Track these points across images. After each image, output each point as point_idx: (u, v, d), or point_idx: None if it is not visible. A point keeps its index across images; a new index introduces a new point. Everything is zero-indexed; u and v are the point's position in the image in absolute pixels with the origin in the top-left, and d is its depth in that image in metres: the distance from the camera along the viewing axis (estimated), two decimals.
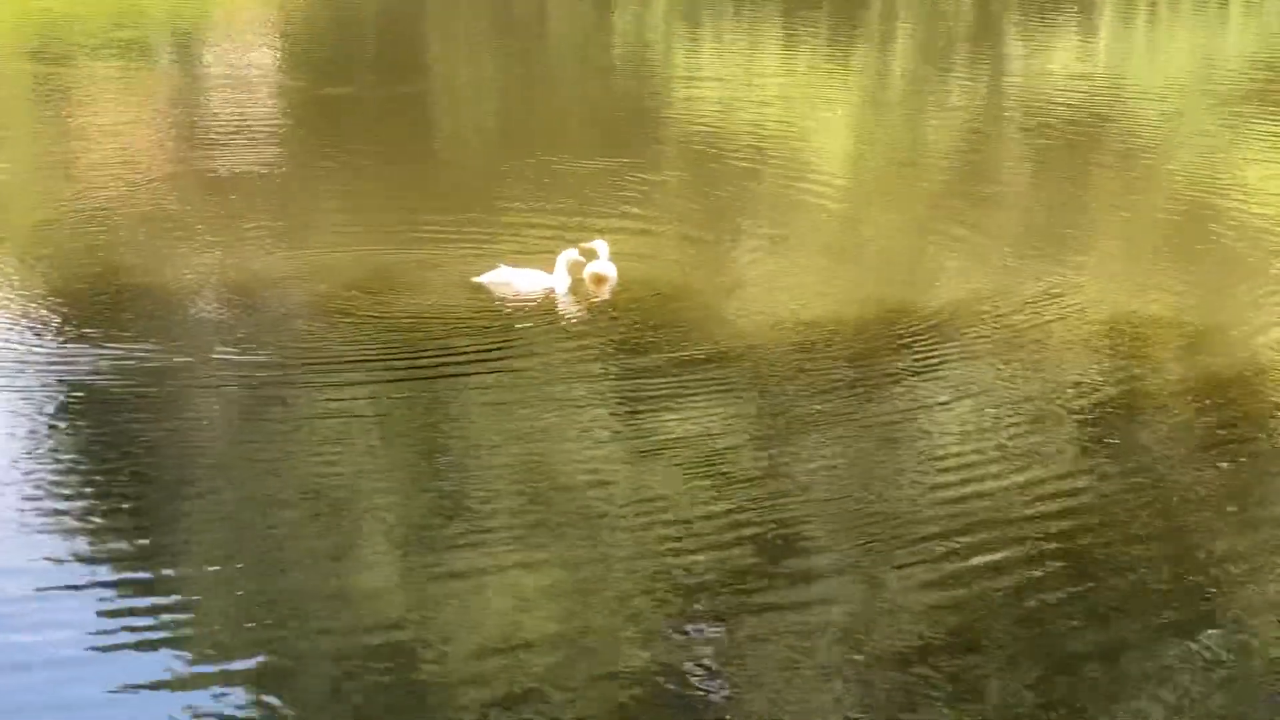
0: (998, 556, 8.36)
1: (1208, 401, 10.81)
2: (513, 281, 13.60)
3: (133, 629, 7.47)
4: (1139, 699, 7.05)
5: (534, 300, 13.38)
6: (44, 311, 12.35)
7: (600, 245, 13.69)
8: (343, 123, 22.32)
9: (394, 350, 11.67)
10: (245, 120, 21.82)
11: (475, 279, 13.57)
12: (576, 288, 13.48)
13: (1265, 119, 17.97)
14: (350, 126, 21.94)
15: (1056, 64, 22.98)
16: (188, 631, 7.47)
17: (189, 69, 24.89)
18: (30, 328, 11.84)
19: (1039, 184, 15.23)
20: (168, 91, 22.75)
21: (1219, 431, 10.16)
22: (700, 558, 8.07)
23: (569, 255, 13.67)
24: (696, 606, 7.53)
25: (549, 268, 13.48)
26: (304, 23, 34.96)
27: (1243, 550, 8.46)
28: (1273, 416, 10.52)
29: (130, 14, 34.89)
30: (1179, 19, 31.22)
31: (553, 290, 13.56)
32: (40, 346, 11.49)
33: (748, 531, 8.40)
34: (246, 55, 29.56)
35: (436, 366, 11.23)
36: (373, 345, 11.94)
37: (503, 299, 13.30)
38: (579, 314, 13.06)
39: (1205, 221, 13.60)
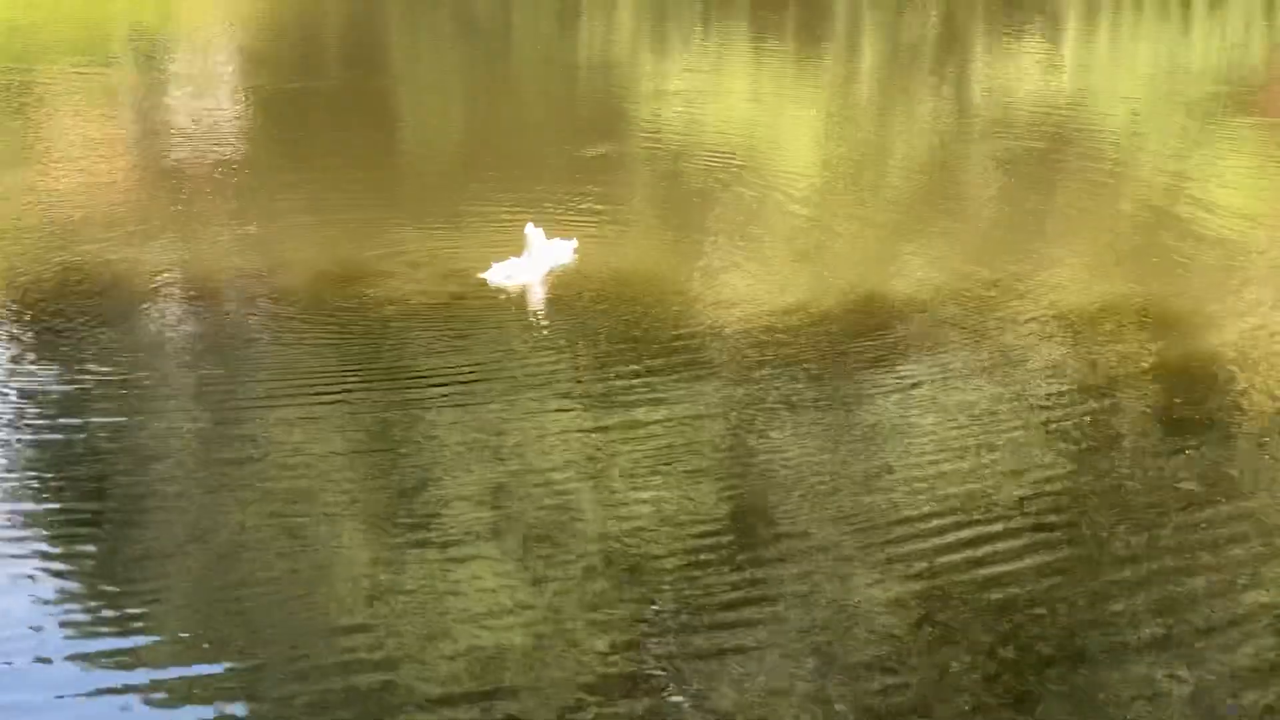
0: (978, 552, 8.32)
1: (1181, 394, 10.79)
2: (513, 273, 13.58)
3: (92, 652, 7.28)
4: (1119, 699, 6.97)
5: (513, 291, 13.42)
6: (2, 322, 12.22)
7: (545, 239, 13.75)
8: (306, 124, 22.37)
9: (358, 355, 11.56)
10: (207, 122, 21.80)
11: (481, 275, 13.57)
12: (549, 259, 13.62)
13: (1227, 126, 17.97)
14: (314, 128, 22.04)
15: (1021, 74, 23.03)
16: (150, 649, 7.32)
17: (151, 73, 24.79)
18: None
19: (1003, 188, 15.23)
20: (129, 96, 22.68)
21: (1199, 423, 10.12)
22: (671, 563, 7.96)
23: (533, 229, 13.69)
24: (667, 613, 7.42)
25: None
26: (267, 29, 34.93)
27: (1223, 545, 8.38)
28: (1252, 409, 10.47)
29: (92, 21, 34.78)
30: (1142, 28, 31.32)
31: (549, 266, 13.64)
32: None
33: (720, 537, 8.30)
34: (209, 57, 29.50)
35: (403, 371, 11.11)
36: (338, 350, 11.87)
37: (503, 290, 13.36)
38: (547, 313, 13.00)
39: (1169, 224, 13.60)
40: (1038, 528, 8.44)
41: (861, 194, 14.71)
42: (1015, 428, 9.95)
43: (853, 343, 12.10)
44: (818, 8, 38.03)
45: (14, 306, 12.67)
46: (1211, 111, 19.37)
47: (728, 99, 20.79)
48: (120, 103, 24.40)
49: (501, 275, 13.61)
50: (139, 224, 15.77)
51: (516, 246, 13.65)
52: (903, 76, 23.33)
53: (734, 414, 9.88)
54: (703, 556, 8.00)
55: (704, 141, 17.03)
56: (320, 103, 24.91)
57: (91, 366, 11.55)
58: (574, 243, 13.86)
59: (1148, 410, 10.57)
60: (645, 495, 8.95)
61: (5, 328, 12.23)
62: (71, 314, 12.73)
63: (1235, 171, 15.80)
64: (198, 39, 33.13)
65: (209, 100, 24.77)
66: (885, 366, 11.39)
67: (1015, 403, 10.38)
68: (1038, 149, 16.70)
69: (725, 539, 8.22)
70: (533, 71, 28.75)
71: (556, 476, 9.11)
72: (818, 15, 36.17)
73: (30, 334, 12.10)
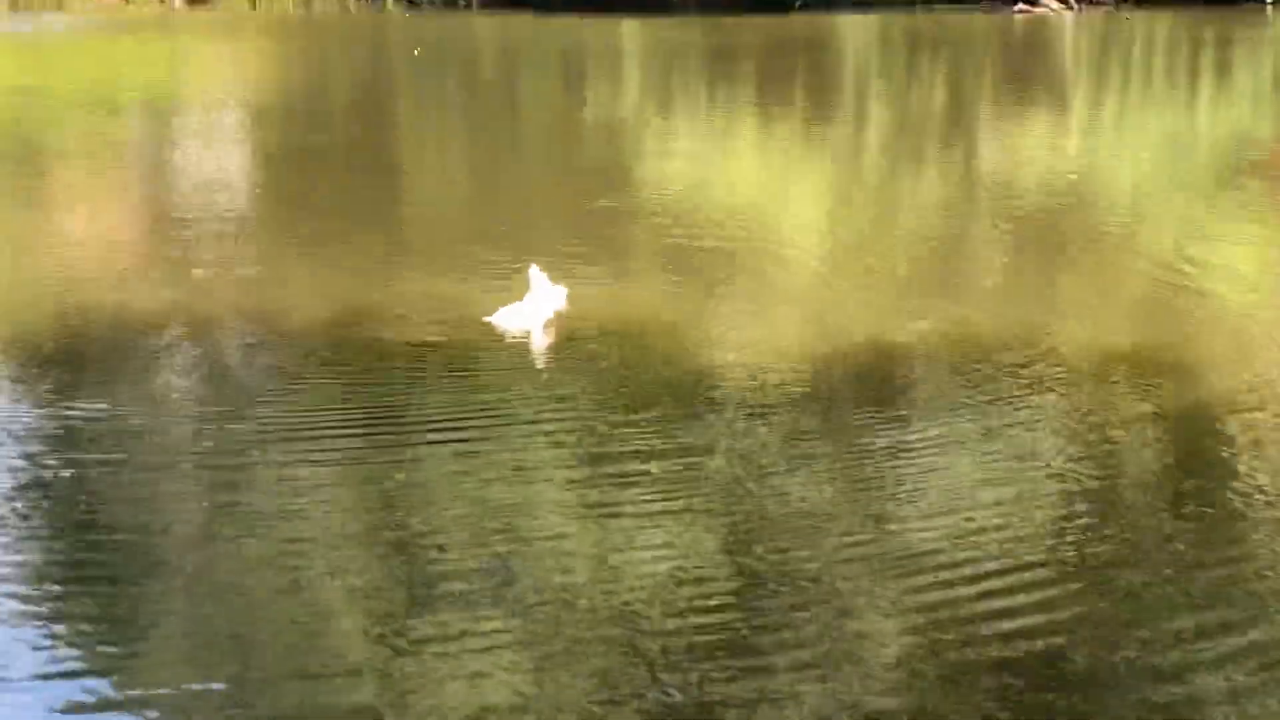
0: (991, 597, 8.16)
1: (1186, 445, 10.66)
2: (518, 316, 13.52)
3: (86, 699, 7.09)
4: None
5: (516, 338, 13.29)
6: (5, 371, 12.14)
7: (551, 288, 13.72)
8: (313, 178, 22.40)
9: (359, 407, 11.44)
10: (214, 177, 21.86)
11: (486, 319, 13.50)
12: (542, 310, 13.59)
13: (1234, 200, 17.91)
14: (320, 182, 22.06)
15: (1028, 147, 22.98)
16: (145, 701, 7.08)
17: (159, 129, 24.87)
18: None
19: (1006, 256, 15.07)
20: (137, 151, 22.73)
21: (1208, 474, 9.97)
22: (673, 622, 7.70)
23: (536, 272, 13.68)
24: (668, 675, 7.15)
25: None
26: (274, 90, 35.10)
27: (1235, 596, 8.20)
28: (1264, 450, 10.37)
29: (102, 84, 34.88)
30: (1150, 103, 31.40)
31: (553, 310, 13.58)
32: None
33: (722, 596, 8.03)
34: (217, 115, 29.61)
35: (405, 422, 10.96)
36: (341, 394, 11.77)
37: (508, 334, 13.28)
38: (547, 364, 12.91)
39: (1175, 294, 13.40)
40: (1054, 579, 8.21)
41: (863, 254, 14.58)
42: (1025, 473, 9.81)
43: (856, 390, 11.98)
44: (825, 76, 38.23)
45: (18, 351, 12.59)
46: (1220, 184, 19.28)
47: (732, 161, 20.77)
48: (128, 158, 24.47)
49: (507, 319, 13.51)
50: (144, 271, 15.76)
51: (520, 292, 13.60)
52: (908, 142, 23.29)
53: (740, 479, 9.66)
54: (709, 624, 7.72)
55: (708, 199, 16.97)
56: (326, 158, 24.97)
57: (88, 406, 11.44)
58: (564, 290, 13.76)
59: (1151, 458, 10.47)
60: (649, 541, 8.77)
61: (10, 369, 12.15)
62: (74, 356, 12.70)
63: (1243, 232, 15.69)
64: (206, 99, 33.30)
65: (216, 156, 24.84)
66: (889, 414, 11.26)
67: (1023, 451, 10.24)
68: (1044, 215, 16.58)
69: (732, 606, 7.96)
70: (538, 132, 28.83)
71: (557, 524, 8.93)
72: (824, 83, 36.37)
73: (33, 375, 12.01)
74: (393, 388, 12.02)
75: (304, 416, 11.25)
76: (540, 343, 13.28)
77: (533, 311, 13.61)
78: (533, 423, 11.00)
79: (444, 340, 13.18)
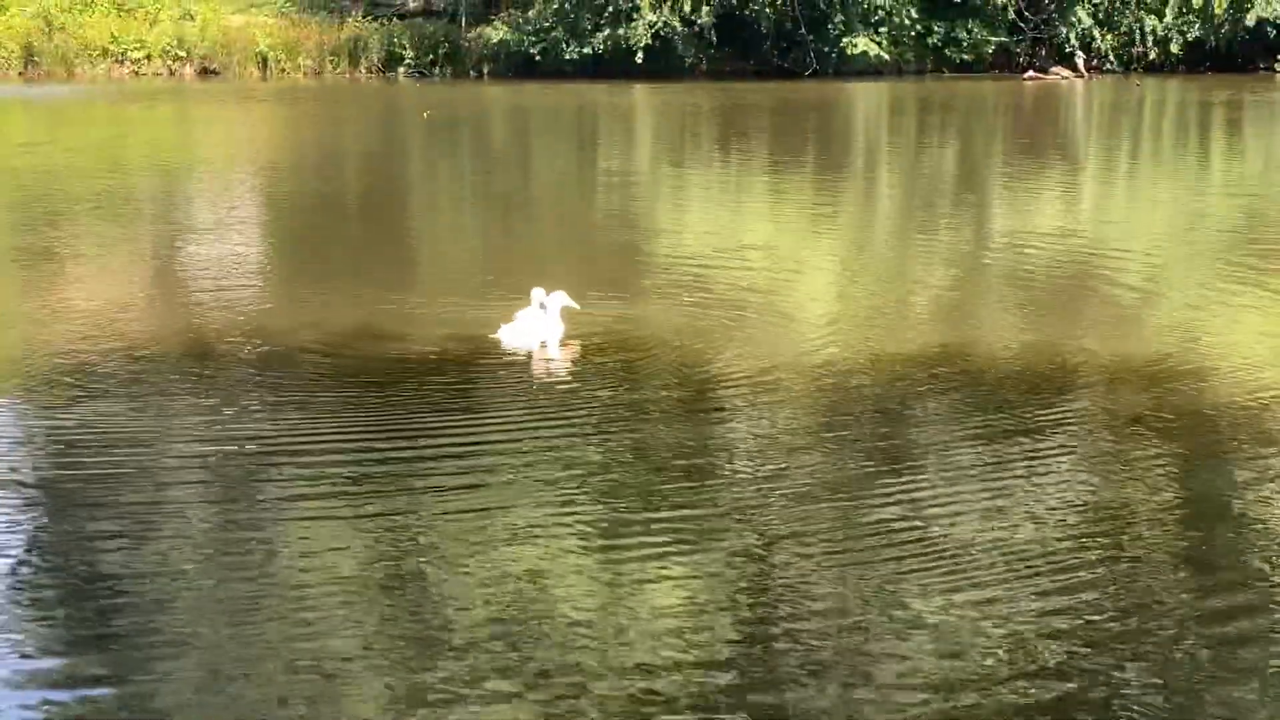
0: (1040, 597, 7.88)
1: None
2: (522, 334, 13.72)
3: None
4: None
5: (522, 354, 13.47)
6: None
7: (558, 296, 13.94)
8: (324, 232, 22.44)
9: (366, 437, 11.23)
10: (232, 225, 21.87)
11: (493, 335, 13.76)
12: (557, 329, 13.86)
13: (1245, 269, 17.68)
14: (331, 235, 22.10)
15: (1039, 214, 22.81)
16: None
17: (173, 213, 24.95)
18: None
19: (1016, 326, 14.74)
20: (151, 236, 22.82)
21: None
22: (684, 665, 7.32)
23: (539, 294, 13.86)
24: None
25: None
26: (286, 148, 35.18)
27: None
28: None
29: (115, 143, 34.92)
30: (1161, 169, 31.35)
31: (556, 330, 13.82)
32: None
33: (734, 643, 7.64)
34: (231, 177, 29.66)
35: (410, 453, 10.72)
36: (348, 414, 11.60)
37: (513, 353, 13.47)
38: (552, 381, 12.77)
39: (1194, 370, 13.00)
40: (1103, 619, 7.90)
41: (878, 336, 14.14)
42: (1035, 517, 9.56)
43: (875, 418, 11.79)
44: (834, 136, 38.26)
45: (42, 394, 12.39)
46: (1231, 253, 19.03)
47: (744, 237, 20.61)
48: (145, 207, 24.46)
49: (510, 336, 13.69)
50: (152, 303, 15.65)
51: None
52: (922, 216, 23.09)
53: (759, 524, 9.33)
54: (720, 655, 7.41)
55: (720, 277, 16.75)
56: (337, 207, 24.97)
57: (92, 425, 11.35)
58: (562, 297, 13.88)
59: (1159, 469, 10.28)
60: (661, 574, 8.51)
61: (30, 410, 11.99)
62: (82, 378, 12.61)
63: (1253, 312, 15.40)
64: (222, 155, 33.36)
65: (232, 204, 24.83)
66: (904, 445, 11.08)
67: (1030, 495, 9.96)
68: (1052, 285, 16.26)
69: (742, 625, 7.68)
70: (548, 183, 28.84)
71: (566, 559, 8.61)
72: (834, 142, 36.40)
73: (51, 414, 11.83)
74: (399, 405, 11.86)
75: (311, 432, 11.13)
76: (544, 359, 13.41)
77: (536, 329, 13.77)
78: (537, 444, 10.84)
79: (450, 358, 13.25)
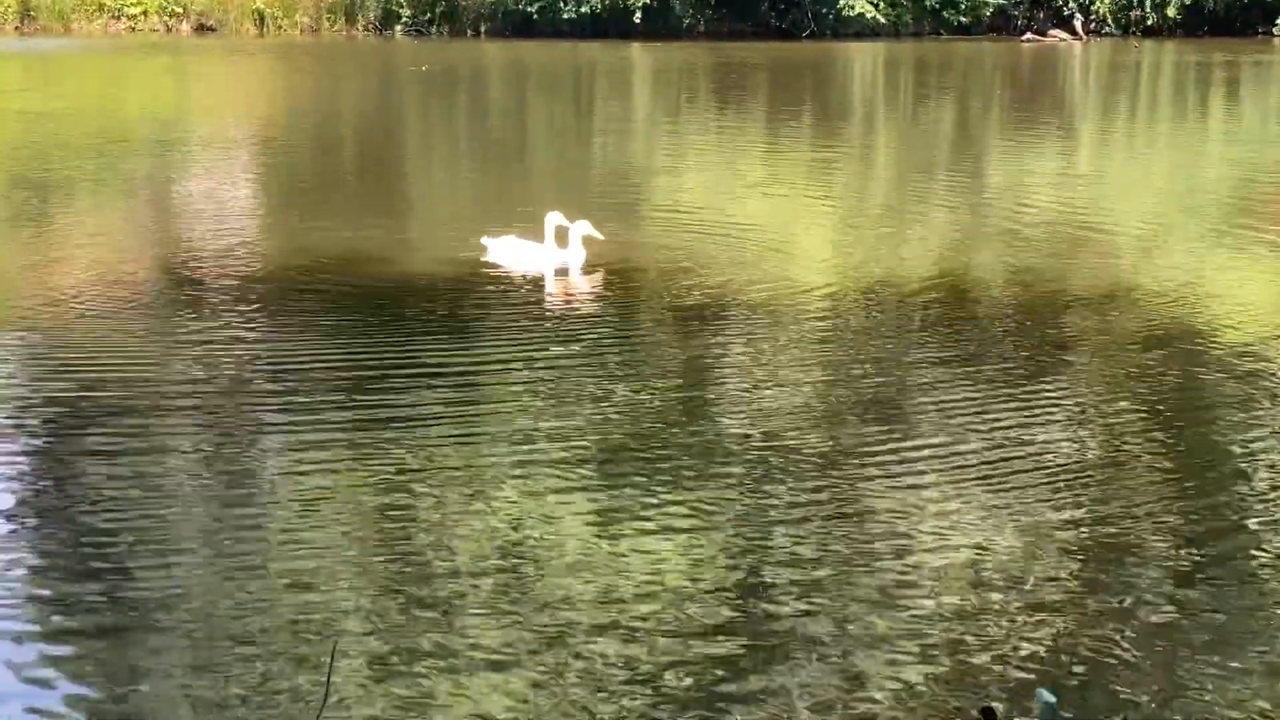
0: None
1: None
2: (514, 252, 14.03)
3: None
4: None
5: (528, 284, 13.53)
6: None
7: (581, 225, 14.18)
8: (316, 194, 22.42)
9: (360, 350, 11.23)
10: (231, 168, 21.80)
11: (484, 239, 14.18)
12: (575, 255, 14.05)
13: (1244, 232, 17.59)
14: (323, 196, 22.07)
15: (1035, 178, 22.70)
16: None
17: (168, 149, 24.87)
18: None
19: (1014, 290, 14.58)
20: (146, 170, 22.74)
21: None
22: (691, 644, 7.06)
23: (555, 219, 14.07)
24: (679, 702, 6.56)
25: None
26: (284, 99, 35.11)
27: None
28: None
29: (110, 110, 34.89)
30: (1158, 128, 31.30)
31: (549, 262, 13.99)
32: None
33: (746, 611, 7.25)
34: (227, 133, 29.63)
35: (408, 398, 10.54)
36: (340, 345, 11.59)
37: (505, 274, 13.67)
38: (557, 337, 12.55)
39: (1187, 335, 12.86)
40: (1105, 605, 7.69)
41: (872, 297, 13.98)
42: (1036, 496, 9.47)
43: (872, 349, 11.77)
44: (833, 96, 38.21)
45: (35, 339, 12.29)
46: (1229, 216, 18.92)
47: (739, 195, 20.52)
48: (143, 160, 24.41)
49: (499, 250, 14.10)
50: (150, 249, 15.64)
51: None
52: (919, 179, 22.94)
53: (760, 487, 9.03)
54: (718, 618, 7.16)
55: (717, 231, 16.61)
56: (334, 152, 24.93)
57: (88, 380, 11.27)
58: (586, 225, 14.13)
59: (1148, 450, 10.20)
60: (662, 506, 8.43)
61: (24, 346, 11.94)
62: (68, 330, 12.49)
63: (1247, 275, 15.28)
64: (219, 106, 33.30)
65: (229, 162, 24.80)
66: (899, 376, 11.08)
67: (1033, 473, 9.60)
68: (1050, 252, 16.08)
69: (741, 588, 7.48)
70: (545, 132, 28.78)
71: (566, 546, 8.15)
72: (830, 99, 36.36)
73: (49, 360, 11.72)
74: (398, 328, 11.85)
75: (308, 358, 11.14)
76: (560, 286, 13.61)
77: (544, 255, 14.06)
78: (541, 372, 10.84)
79: (447, 280, 13.43)
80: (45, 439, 9.55)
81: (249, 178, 21.08)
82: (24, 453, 9.28)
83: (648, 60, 45.85)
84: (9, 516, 8.24)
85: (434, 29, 55.51)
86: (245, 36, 54.35)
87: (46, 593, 7.38)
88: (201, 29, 55.63)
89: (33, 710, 6.25)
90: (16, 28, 55.03)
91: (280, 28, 55.82)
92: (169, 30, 55.32)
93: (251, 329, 11.98)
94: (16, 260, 14.81)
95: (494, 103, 34.61)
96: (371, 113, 32.06)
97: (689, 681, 6.50)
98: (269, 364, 11.05)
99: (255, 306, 12.64)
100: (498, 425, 9.63)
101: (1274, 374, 11.20)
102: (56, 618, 7.10)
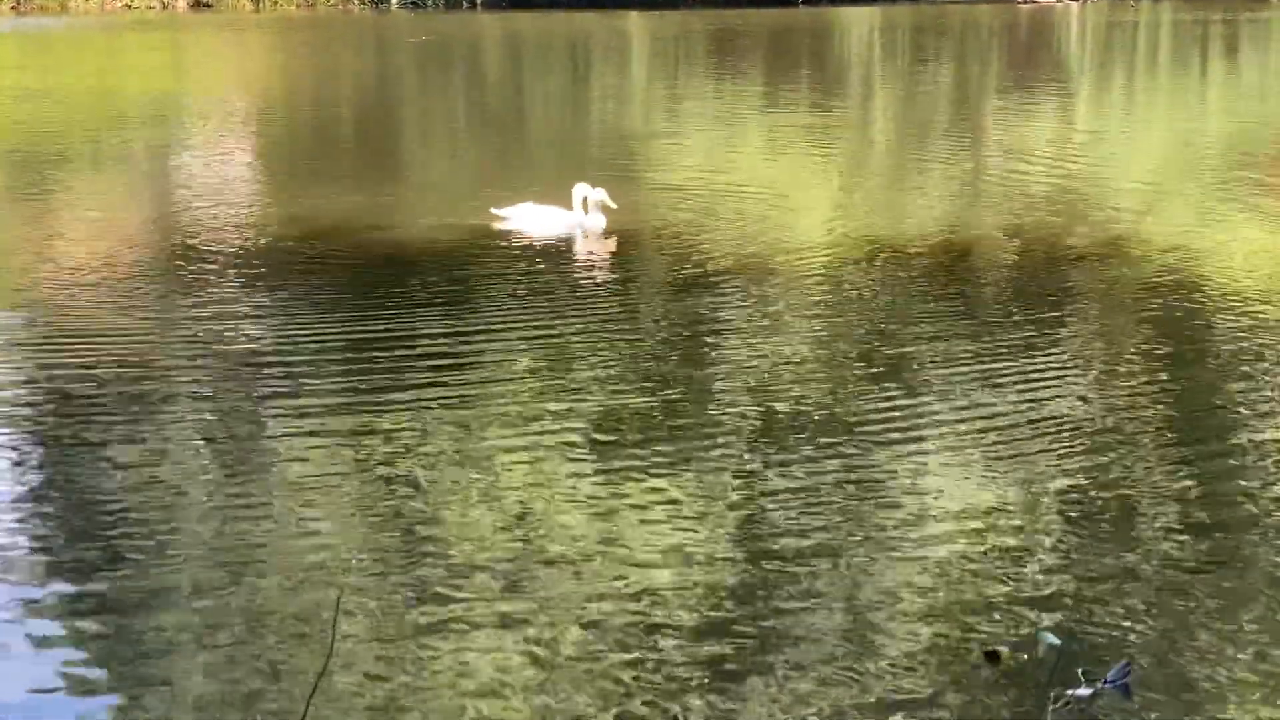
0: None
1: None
2: (536, 218, 14.32)
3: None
4: None
5: (549, 247, 13.75)
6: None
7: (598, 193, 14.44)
8: (314, 168, 22.43)
9: (368, 355, 11.18)
10: (233, 137, 21.82)
11: (495, 210, 14.41)
12: (596, 221, 14.29)
13: (1244, 188, 17.56)
14: (322, 171, 22.05)
15: (1035, 138, 22.67)
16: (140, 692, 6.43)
17: (163, 125, 24.89)
18: None
19: (1016, 248, 14.56)
20: (141, 147, 22.77)
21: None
22: (695, 620, 6.96)
23: (583, 189, 14.35)
24: (687, 683, 6.48)
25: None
26: (281, 71, 35.06)
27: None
28: None
29: (105, 88, 34.85)
30: (1157, 87, 31.27)
31: (577, 228, 14.26)
32: None
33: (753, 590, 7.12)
34: (225, 106, 29.61)
35: (416, 371, 10.48)
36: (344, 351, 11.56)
37: (521, 242, 13.88)
38: (572, 303, 12.50)
39: (1186, 284, 12.84)
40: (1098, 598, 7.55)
41: (873, 258, 14.00)
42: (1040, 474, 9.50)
43: (872, 305, 11.81)
44: (831, 58, 38.17)
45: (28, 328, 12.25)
46: (1226, 174, 18.87)
47: (738, 160, 20.50)
48: (145, 130, 24.43)
49: (518, 218, 14.33)
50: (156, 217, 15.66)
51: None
52: (917, 141, 22.92)
53: (771, 466, 8.84)
54: (719, 602, 7.04)
55: (715, 198, 16.62)
56: (333, 124, 24.94)
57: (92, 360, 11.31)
58: (601, 193, 14.38)
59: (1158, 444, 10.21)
60: (667, 464, 8.49)
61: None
62: (67, 306, 12.51)
63: (1245, 231, 15.26)
64: (214, 84, 33.27)
65: (227, 136, 24.81)
66: (898, 334, 11.10)
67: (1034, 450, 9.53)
68: (1048, 214, 16.06)
69: (765, 599, 7.34)
70: (542, 101, 28.78)
71: (576, 524, 8.07)
72: (831, 64, 36.32)
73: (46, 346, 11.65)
74: (402, 297, 11.88)
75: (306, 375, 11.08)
76: (596, 232, 14.17)
77: (546, 218, 14.35)
78: (542, 396, 10.82)
79: (459, 248, 13.55)
80: (46, 413, 9.55)
81: (248, 150, 21.10)
82: (24, 429, 9.28)
83: (645, 28, 45.79)
84: (9, 490, 8.25)
85: (430, 2, 55.45)
86: (241, 12, 54.32)
87: (48, 560, 7.40)
88: (197, 5, 55.60)
89: (34, 690, 6.28)
90: (13, 6, 54.97)
91: (276, 3, 55.78)
92: (165, 7, 55.27)
93: (262, 301, 12.03)
94: (15, 235, 14.85)
95: (492, 73, 34.59)
96: (370, 85, 32.05)
97: (699, 634, 6.58)
98: (279, 336, 11.07)
99: (261, 277, 12.70)
100: (515, 391, 9.67)
101: (1276, 326, 11.26)
102: (58, 587, 7.11)
